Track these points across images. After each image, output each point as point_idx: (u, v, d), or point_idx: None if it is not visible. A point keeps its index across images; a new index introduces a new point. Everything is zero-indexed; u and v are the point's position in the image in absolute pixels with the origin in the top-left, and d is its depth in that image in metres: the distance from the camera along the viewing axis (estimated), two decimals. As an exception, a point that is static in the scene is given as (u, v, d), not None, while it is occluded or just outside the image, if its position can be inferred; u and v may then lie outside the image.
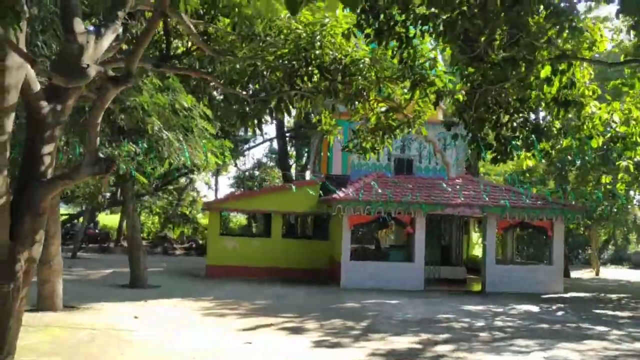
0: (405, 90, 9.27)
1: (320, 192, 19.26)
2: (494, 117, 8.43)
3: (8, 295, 6.78)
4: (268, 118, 16.70)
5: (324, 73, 8.12)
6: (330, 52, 8.14)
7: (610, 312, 14.09)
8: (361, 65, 8.15)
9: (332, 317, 11.74)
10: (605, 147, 10.98)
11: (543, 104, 7.28)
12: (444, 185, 18.47)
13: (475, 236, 23.57)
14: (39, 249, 7.08)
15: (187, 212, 43.70)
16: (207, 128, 11.64)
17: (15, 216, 6.09)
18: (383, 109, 9.54)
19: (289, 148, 36.91)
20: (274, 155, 42.05)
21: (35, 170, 6.93)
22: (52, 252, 11.60)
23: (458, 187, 18.65)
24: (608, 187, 17.39)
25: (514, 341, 9.85)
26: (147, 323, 10.30)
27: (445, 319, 12.06)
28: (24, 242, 6.62)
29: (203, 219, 45.58)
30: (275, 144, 46.92)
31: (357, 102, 9.36)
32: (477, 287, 18.18)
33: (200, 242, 33.11)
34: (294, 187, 17.85)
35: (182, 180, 40.03)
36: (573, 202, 18.94)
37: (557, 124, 7.99)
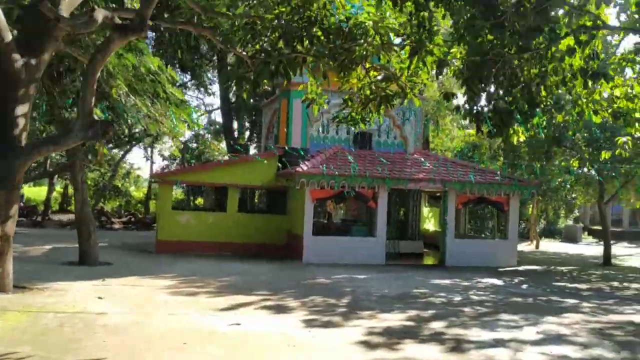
0: (400, 59, 8.85)
1: (279, 164, 18.65)
2: (500, 90, 8.16)
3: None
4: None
5: (327, 36, 7.50)
6: (330, 13, 7.52)
7: (569, 285, 14.52)
8: (368, 29, 7.57)
9: (309, 294, 11.30)
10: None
11: (562, 77, 7.04)
12: (419, 160, 18.37)
13: (426, 210, 23.76)
14: (12, 226, 6.19)
15: (120, 185, 41.65)
16: (175, 94, 10.68)
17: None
18: (379, 78, 9.05)
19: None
20: (212, 127, 40.57)
21: (8, 135, 6.00)
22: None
23: (418, 162, 18.59)
24: (563, 163, 17.88)
25: (499, 316, 9.82)
26: (115, 304, 9.42)
27: (422, 294, 11.93)
28: None
29: (135, 192, 43.63)
30: (215, 116, 45.32)
31: (352, 70, 8.80)
32: (434, 261, 18.33)
33: (140, 215, 31.60)
34: (259, 158, 17.10)
35: (115, 151, 37.94)
36: (526, 178, 19.39)
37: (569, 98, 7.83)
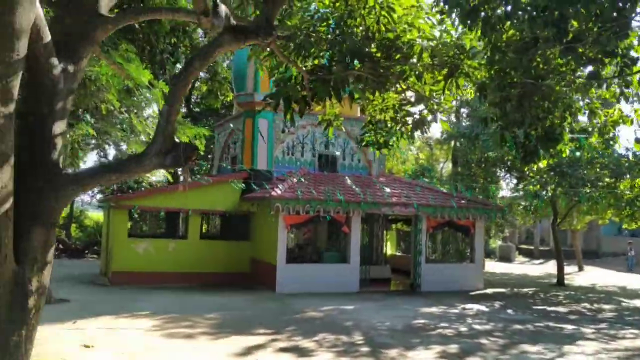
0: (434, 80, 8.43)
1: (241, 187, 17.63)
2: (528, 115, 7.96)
3: (19, 347, 4.76)
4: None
5: (384, 53, 6.91)
6: (387, 28, 6.96)
7: (548, 308, 14.68)
8: (423, 48, 7.07)
9: (312, 330, 10.46)
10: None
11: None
12: (385, 184, 18.02)
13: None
14: (49, 273, 5.03)
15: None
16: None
17: (17, 227, 4.22)
18: (409, 99, 8.57)
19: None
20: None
21: (46, 160, 4.88)
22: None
23: (386, 185, 18.30)
24: (530, 187, 18.32)
25: (522, 347, 9.57)
26: (113, 355, 8.12)
27: (426, 325, 11.47)
28: (33, 264, 4.68)
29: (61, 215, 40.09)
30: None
31: (386, 90, 8.27)
32: (404, 287, 17.99)
33: (67, 241, 28.93)
34: (235, 181, 15.99)
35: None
36: (489, 200, 19.68)
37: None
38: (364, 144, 8.99)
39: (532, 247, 39.19)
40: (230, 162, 20.09)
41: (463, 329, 11.19)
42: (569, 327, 11.82)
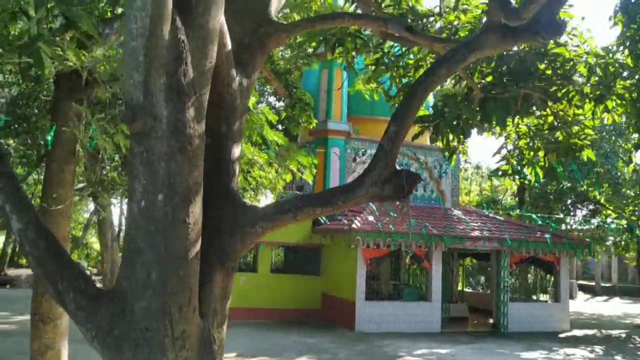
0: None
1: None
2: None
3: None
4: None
5: (555, 72, 6.12)
6: (560, 43, 6.18)
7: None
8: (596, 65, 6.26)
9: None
10: None
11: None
12: (461, 216, 17.05)
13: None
14: (226, 328, 4.22)
15: (79, 235, 38.00)
16: (278, 138, 8.84)
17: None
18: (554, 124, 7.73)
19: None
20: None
21: (228, 189, 4.14)
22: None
23: (463, 218, 17.31)
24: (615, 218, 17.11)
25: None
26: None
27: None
28: (214, 317, 3.86)
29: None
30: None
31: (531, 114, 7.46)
32: (486, 327, 16.80)
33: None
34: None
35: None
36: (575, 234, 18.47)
37: None
38: (499, 174, 8.14)
39: (592, 284, 37.24)
40: (295, 191, 19.36)
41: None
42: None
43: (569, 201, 20.56)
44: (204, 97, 3.17)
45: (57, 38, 4.98)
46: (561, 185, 19.85)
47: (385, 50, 6.66)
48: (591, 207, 21.48)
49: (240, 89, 4.04)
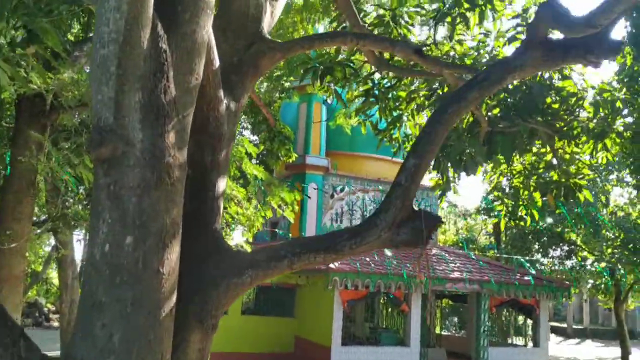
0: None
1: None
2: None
3: None
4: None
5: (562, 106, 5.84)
6: (565, 75, 5.91)
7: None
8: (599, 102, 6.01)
9: None
10: None
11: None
12: (440, 256, 16.61)
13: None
14: (203, 392, 3.59)
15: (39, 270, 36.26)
16: (258, 172, 8.33)
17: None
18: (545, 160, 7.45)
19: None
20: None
21: (210, 230, 3.62)
22: None
23: (444, 259, 16.90)
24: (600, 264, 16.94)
25: None
26: None
27: None
28: None
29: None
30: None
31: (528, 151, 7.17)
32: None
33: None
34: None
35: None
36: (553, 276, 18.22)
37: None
38: (494, 214, 7.78)
39: (564, 325, 37.07)
40: (269, 228, 18.72)
41: None
42: None
43: (544, 239, 20.41)
44: (187, 120, 2.67)
45: (18, 54, 4.44)
46: (538, 226, 19.71)
47: (376, 82, 6.32)
48: (566, 248, 21.36)
49: (228, 113, 3.55)
